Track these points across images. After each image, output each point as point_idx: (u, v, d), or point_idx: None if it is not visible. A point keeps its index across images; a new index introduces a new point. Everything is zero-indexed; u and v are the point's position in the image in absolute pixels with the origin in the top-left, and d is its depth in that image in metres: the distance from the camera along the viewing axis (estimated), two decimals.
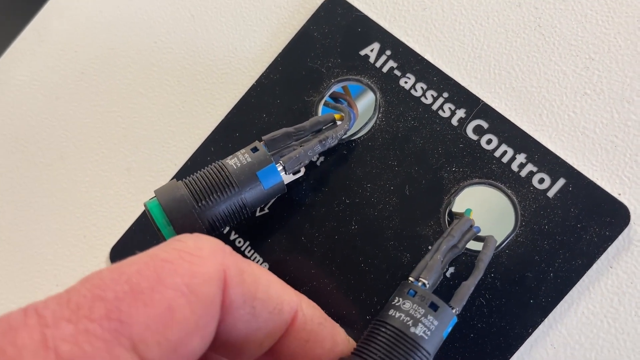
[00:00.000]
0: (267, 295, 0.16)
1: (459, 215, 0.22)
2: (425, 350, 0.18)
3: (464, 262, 0.22)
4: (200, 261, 0.15)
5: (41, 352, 0.12)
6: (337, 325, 0.19)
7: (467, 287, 0.20)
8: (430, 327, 0.18)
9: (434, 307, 0.18)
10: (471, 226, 0.21)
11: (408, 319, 0.18)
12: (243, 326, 0.16)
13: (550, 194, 0.21)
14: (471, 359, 0.21)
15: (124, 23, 0.28)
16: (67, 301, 0.13)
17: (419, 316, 0.18)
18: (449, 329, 0.19)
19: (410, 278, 0.20)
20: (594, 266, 0.21)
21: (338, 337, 0.18)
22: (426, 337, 0.18)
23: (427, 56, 0.24)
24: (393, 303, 0.19)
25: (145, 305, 0.14)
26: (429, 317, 0.18)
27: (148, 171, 0.26)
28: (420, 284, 0.19)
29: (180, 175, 0.25)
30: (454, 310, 0.19)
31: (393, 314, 0.18)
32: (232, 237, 0.24)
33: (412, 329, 0.18)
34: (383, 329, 0.18)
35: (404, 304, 0.18)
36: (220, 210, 0.20)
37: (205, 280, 0.15)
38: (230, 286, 0.15)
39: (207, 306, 0.15)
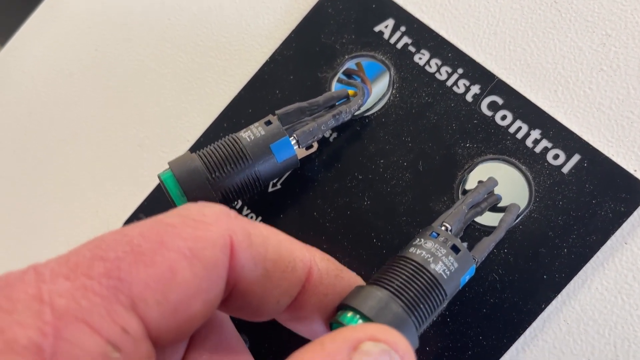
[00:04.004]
0: (278, 255, 0.16)
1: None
2: (443, 289, 0.17)
3: (475, 237, 0.22)
4: (205, 226, 0.15)
5: (36, 305, 0.12)
6: (354, 274, 0.19)
7: (488, 242, 0.20)
8: (450, 267, 0.18)
9: (455, 249, 0.18)
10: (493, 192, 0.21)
11: (429, 256, 0.18)
12: (257, 288, 0.16)
13: (565, 170, 0.21)
14: (484, 335, 0.21)
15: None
16: (66, 260, 0.13)
17: (440, 255, 0.18)
18: (467, 278, 0.18)
19: (433, 225, 0.19)
20: (609, 242, 0.21)
21: None
22: (445, 277, 0.17)
23: (442, 32, 0.24)
24: (414, 243, 0.18)
25: (146, 266, 0.13)
26: (450, 257, 0.18)
27: (161, 147, 0.26)
28: (443, 228, 0.19)
29: (193, 151, 0.25)
30: (474, 260, 0.19)
31: (414, 251, 0.18)
32: (245, 212, 0.24)
33: (433, 265, 0.17)
34: (402, 262, 0.18)
35: (425, 243, 0.18)
36: (234, 182, 0.20)
37: (209, 245, 0.14)
38: (239, 250, 0.15)
39: (210, 270, 0.14)
